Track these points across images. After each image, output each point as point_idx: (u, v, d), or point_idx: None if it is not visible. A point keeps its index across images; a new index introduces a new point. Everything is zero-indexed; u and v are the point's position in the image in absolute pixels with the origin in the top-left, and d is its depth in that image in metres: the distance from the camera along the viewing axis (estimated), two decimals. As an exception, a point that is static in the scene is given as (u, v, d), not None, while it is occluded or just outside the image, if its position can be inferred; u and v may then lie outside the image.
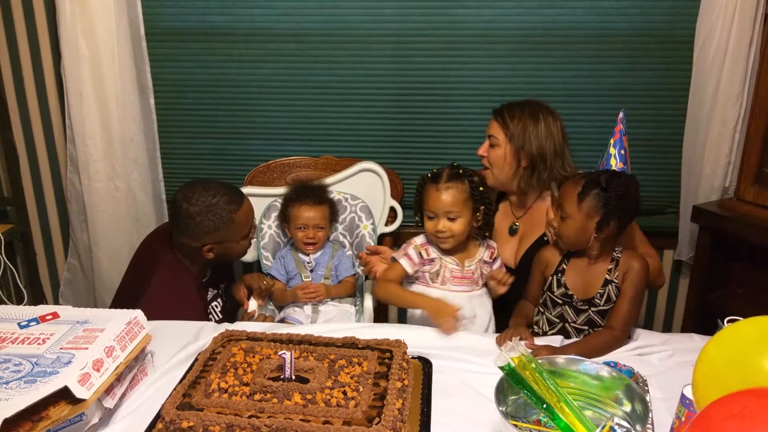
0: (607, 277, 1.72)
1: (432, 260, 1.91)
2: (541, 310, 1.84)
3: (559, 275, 1.79)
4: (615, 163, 1.75)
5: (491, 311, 1.95)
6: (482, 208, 1.87)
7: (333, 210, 2.26)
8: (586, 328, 1.76)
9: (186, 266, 2.03)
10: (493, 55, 2.50)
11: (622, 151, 1.78)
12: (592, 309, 1.74)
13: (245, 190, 2.38)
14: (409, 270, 1.91)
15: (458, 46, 2.50)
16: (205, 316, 2.04)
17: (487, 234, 1.96)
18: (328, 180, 2.39)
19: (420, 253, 1.91)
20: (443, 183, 1.83)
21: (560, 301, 1.78)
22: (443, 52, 2.51)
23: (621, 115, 1.81)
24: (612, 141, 1.79)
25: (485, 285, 1.96)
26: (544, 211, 2.00)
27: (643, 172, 2.58)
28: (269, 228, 2.36)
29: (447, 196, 1.82)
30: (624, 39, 2.44)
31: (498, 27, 2.46)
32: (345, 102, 2.61)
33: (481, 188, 1.87)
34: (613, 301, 1.72)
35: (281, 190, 2.34)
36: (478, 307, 1.92)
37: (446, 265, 1.90)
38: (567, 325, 1.78)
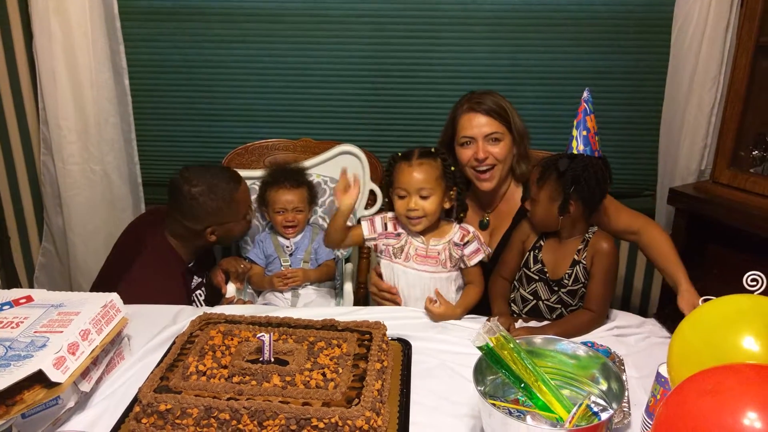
0: (576, 257, 1.74)
1: (398, 234, 1.88)
2: (517, 285, 1.85)
3: (536, 251, 1.81)
4: (576, 146, 1.69)
5: (454, 299, 1.88)
6: (454, 189, 1.85)
7: (312, 192, 2.25)
8: (559, 306, 1.78)
9: (173, 251, 2.04)
10: (472, 38, 2.49)
11: (584, 132, 1.70)
12: (562, 290, 1.76)
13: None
14: (366, 232, 1.89)
15: (437, 28, 2.48)
16: (187, 303, 2.03)
17: (462, 215, 1.91)
18: (307, 163, 2.37)
19: (386, 224, 1.89)
20: (416, 159, 1.80)
21: (536, 277, 1.79)
22: (422, 33, 2.49)
23: (585, 94, 1.72)
24: (575, 122, 1.72)
25: (460, 269, 1.90)
26: (512, 202, 2.01)
27: (621, 154, 2.61)
28: (247, 211, 2.34)
29: (419, 172, 1.79)
30: (602, 21, 2.44)
31: (476, 9, 2.45)
32: (324, 84, 2.58)
33: (452, 168, 1.85)
34: (581, 282, 1.73)
35: (260, 172, 2.32)
36: (440, 290, 1.86)
37: (411, 241, 1.87)
38: (540, 303, 1.79)
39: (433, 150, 1.84)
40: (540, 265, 1.79)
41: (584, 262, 1.73)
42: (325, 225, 2.36)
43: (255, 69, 2.58)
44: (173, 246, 2.05)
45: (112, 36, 2.43)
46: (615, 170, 2.59)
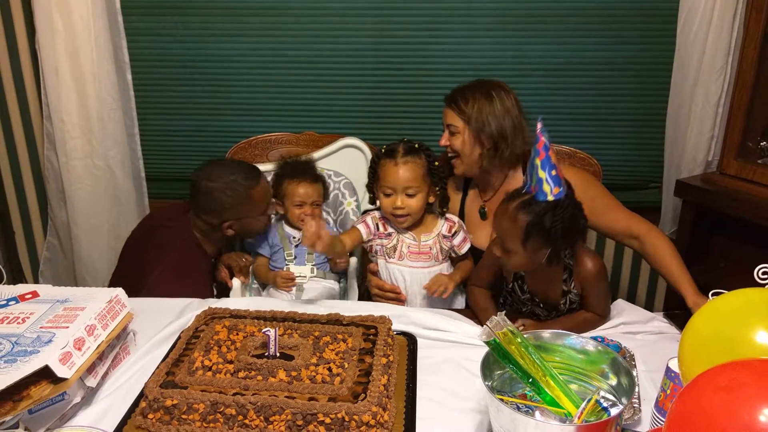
0: (564, 288, 1.68)
1: (389, 234, 1.90)
2: (503, 302, 1.83)
3: (520, 282, 1.74)
4: (550, 190, 1.49)
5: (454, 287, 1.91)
6: (438, 185, 1.86)
7: (325, 187, 2.26)
8: (554, 315, 1.75)
9: (201, 246, 2.09)
10: (475, 29, 2.47)
11: (554, 172, 1.48)
12: (558, 311, 1.73)
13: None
14: (364, 235, 1.92)
15: (440, 19, 2.46)
16: (210, 294, 2.07)
17: (444, 209, 1.94)
18: (312, 156, 2.36)
19: (377, 224, 1.92)
20: (401, 157, 1.81)
21: (528, 303, 1.75)
22: (425, 25, 2.47)
23: (539, 125, 1.49)
24: (538, 162, 1.48)
25: (451, 258, 1.95)
26: (513, 186, 1.98)
27: (626, 146, 2.60)
28: (252, 205, 2.33)
29: (406, 171, 1.80)
30: (607, 13, 2.42)
31: (480, 0, 2.43)
32: (327, 77, 2.57)
33: (436, 163, 1.85)
34: (577, 302, 1.70)
35: (264, 166, 2.30)
36: None
37: (403, 239, 1.89)
38: (539, 317, 1.77)
39: (416, 146, 1.84)
40: (529, 295, 1.74)
41: (574, 291, 1.68)
42: (330, 219, 2.35)
43: (258, 63, 2.56)
44: (201, 242, 2.09)
45: (114, 30, 2.42)
46: (621, 163, 2.60)
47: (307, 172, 2.20)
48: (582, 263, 1.65)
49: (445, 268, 1.94)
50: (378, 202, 1.94)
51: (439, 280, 1.84)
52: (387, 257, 1.93)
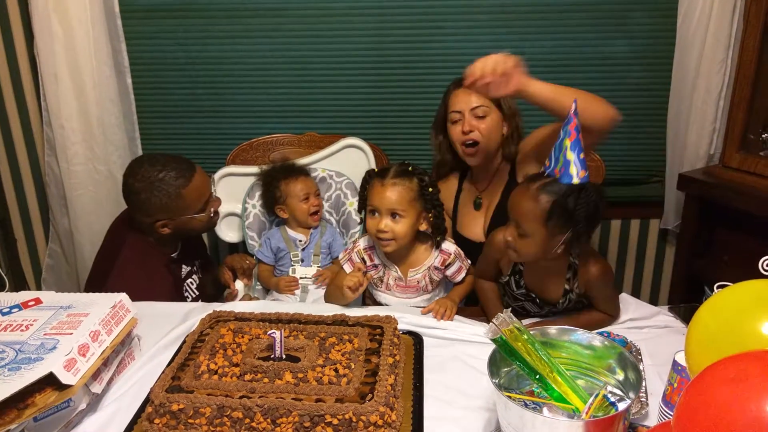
0: (566, 287, 1.66)
1: (375, 266, 1.86)
2: (502, 292, 1.81)
3: (517, 276, 1.72)
4: (576, 173, 1.46)
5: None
6: (432, 212, 1.76)
7: (315, 182, 2.27)
8: (551, 315, 1.75)
9: (150, 244, 1.98)
10: (476, 26, 2.46)
11: (582, 155, 1.46)
12: (554, 309, 1.72)
13: (227, 169, 2.36)
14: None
15: (440, 18, 2.45)
16: (178, 293, 2.01)
17: (438, 239, 1.82)
18: (313, 157, 2.36)
19: (363, 258, 1.86)
20: (389, 179, 1.72)
21: (522, 298, 1.74)
22: (425, 24, 2.47)
23: (574, 106, 1.47)
24: (568, 143, 1.45)
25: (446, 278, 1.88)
26: (502, 178, 2.00)
27: (628, 141, 2.59)
28: (254, 207, 2.33)
29: (392, 192, 1.70)
30: (607, 8, 2.41)
31: (479, -3, 2.43)
32: (328, 78, 2.56)
33: (430, 189, 1.76)
34: (575, 301, 1.68)
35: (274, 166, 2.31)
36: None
37: (389, 273, 1.85)
38: (530, 314, 1.77)
39: (410, 169, 1.75)
40: (524, 290, 1.72)
41: (577, 291, 1.65)
42: (333, 220, 2.35)
43: (258, 64, 2.56)
44: (151, 241, 1.99)
45: (113, 34, 2.42)
46: (622, 157, 2.59)
47: (296, 169, 2.22)
48: (588, 264, 1.63)
49: (435, 295, 1.88)
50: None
51: (441, 303, 1.73)
52: (374, 287, 1.90)
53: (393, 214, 1.72)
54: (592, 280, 1.63)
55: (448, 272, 1.84)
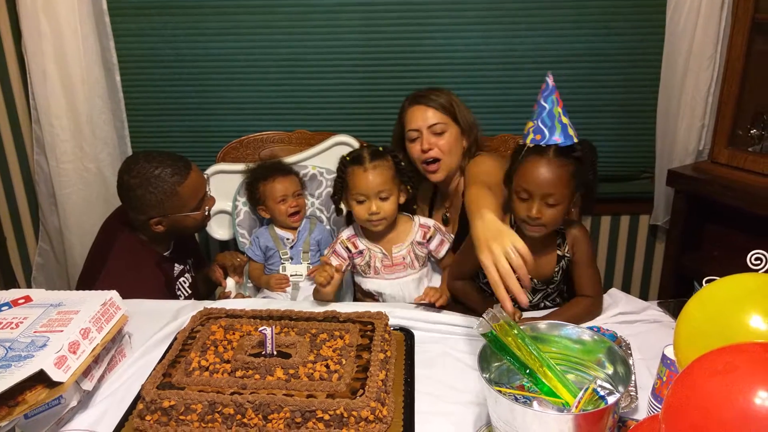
0: (559, 253, 1.69)
1: (360, 252, 1.88)
2: (490, 290, 1.81)
3: None
4: (574, 133, 1.54)
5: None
6: (409, 184, 1.85)
7: (301, 179, 2.25)
8: (542, 303, 1.77)
9: (143, 242, 1.98)
10: (464, 23, 2.47)
11: (566, 120, 1.55)
12: (550, 286, 1.74)
13: (218, 167, 2.35)
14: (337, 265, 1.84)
15: (428, 14, 2.46)
16: (170, 292, 2.00)
17: (414, 206, 1.91)
18: (303, 154, 2.35)
19: (347, 247, 1.89)
20: (369, 163, 1.78)
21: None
22: (414, 20, 2.47)
23: (551, 79, 1.55)
24: (560, 109, 1.54)
25: (432, 259, 1.92)
26: (460, 190, 2.00)
27: (617, 137, 2.60)
28: (244, 205, 2.32)
29: (374, 176, 1.77)
30: (596, 4, 2.42)
31: (469, -6, 2.43)
32: (317, 75, 2.56)
33: (402, 163, 1.84)
34: (566, 270, 1.70)
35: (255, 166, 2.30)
36: (415, 291, 1.88)
37: (374, 255, 1.87)
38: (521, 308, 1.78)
39: (381, 149, 1.83)
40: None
41: (568, 255, 1.69)
42: (323, 217, 2.35)
43: (248, 61, 2.55)
44: (143, 239, 1.98)
45: (101, 32, 2.41)
46: (612, 154, 2.61)
47: (277, 168, 2.20)
48: (570, 227, 1.69)
49: (425, 273, 1.90)
50: (345, 212, 1.93)
51: (431, 292, 1.74)
52: (363, 274, 1.91)
53: (381, 196, 1.78)
54: (578, 239, 1.68)
55: (431, 246, 1.88)
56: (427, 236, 1.88)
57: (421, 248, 1.87)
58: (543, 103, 1.54)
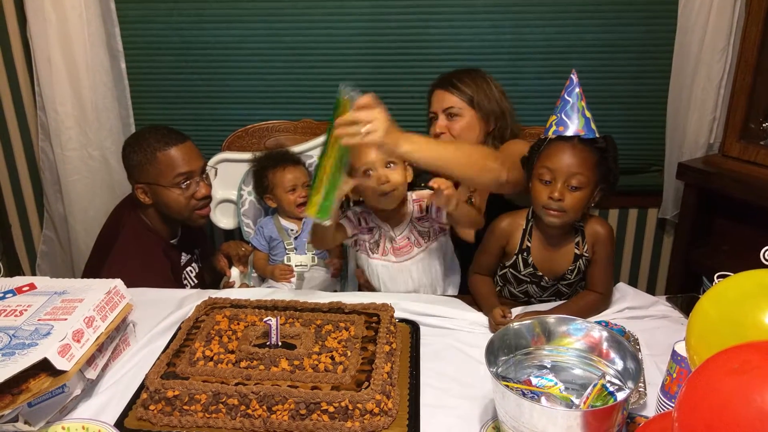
0: (576, 251, 1.67)
1: (371, 229, 1.84)
2: (501, 282, 1.80)
3: (525, 254, 1.71)
4: (596, 128, 1.59)
5: (440, 270, 1.87)
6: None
7: (308, 169, 2.24)
8: (553, 298, 1.75)
9: (150, 228, 1.97)
10: (474, 12, 2.44)
11: (589, 114, 1.60)
12: (562, 282, 1.72)
13: (223, 155, 2.34)
14: (349, 231, 1.81)
15: (437, 3, 2.43)
16: (176, 280, 1.99)
17: (422, 184, 1.81)
18: (309, 144, 2.34)
19: (359, 218, 1.83)
20: None
21: (527, 280, 1.73)
22: (422, 9, 2.44)
23: (576, 77, 1.61)
24: (584, 103, 1.59)
25: (441, 231, 1.86)
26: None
27: (627, 130, 2.57)
28: (249, 194, 2.31)
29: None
30: (607, -7, 2.40)
31: (478, -18, 2.40)
32: (324, 63, 2.54)
33: None
34: (583, 272, 1.69)
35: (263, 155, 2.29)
36: (423, 273, 1.84)
37: (384, 234, 1.82)
38: (532, 299, 1.76)
39: None
40: (531, 269, 1.71)
41: (587, 255, 1.67)
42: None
43: (254, 49, 2.53)
44: (149, 224, 1.97)
45: (107, 18, 2.39)
46: (621, 146, 2.55)
47: (287, 157, 2.19)
48: (594, 224, 1.68)
49: (433, 248, 1.85)
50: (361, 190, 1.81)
51: (440, 180, 1.63)
52: (370, 253, 1.87)
53: (387, 164, 1.69)
54: (600, 238, 1.67)
55: (432, 214, 1.81)
56: (423, 207, 1.82)
57: (422, 223, 1.83)
58: (567, 97, 1.60)
